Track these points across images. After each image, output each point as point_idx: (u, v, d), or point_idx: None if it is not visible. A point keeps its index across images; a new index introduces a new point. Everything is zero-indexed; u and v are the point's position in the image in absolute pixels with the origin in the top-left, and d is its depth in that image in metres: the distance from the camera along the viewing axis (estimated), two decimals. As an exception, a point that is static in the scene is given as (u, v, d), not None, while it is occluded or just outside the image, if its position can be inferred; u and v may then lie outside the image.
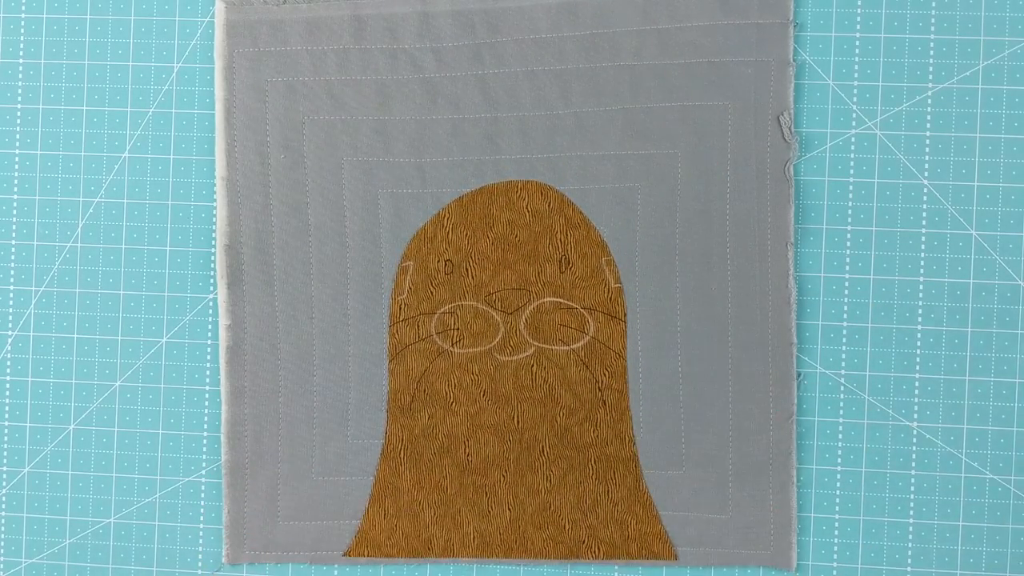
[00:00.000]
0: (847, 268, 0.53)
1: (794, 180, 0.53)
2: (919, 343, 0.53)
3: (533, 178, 0.53)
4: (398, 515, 0.54)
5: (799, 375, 0.53)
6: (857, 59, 0.53)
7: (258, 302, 0.54)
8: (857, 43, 0.53)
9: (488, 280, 0.53)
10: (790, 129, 0.53)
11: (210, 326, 0.55)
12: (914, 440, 0.53)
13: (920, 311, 0.53)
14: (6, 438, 0.56)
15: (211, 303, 0.55)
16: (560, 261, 0.53)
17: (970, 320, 0.53)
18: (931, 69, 0.53)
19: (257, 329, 0.54)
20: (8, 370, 0.56)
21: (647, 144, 0.53)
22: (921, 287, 0.53)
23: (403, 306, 0.53)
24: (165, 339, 0.55)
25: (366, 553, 0.54)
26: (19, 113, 0.55)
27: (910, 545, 0.53)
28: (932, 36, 0.53)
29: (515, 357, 0.53)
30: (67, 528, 0.55)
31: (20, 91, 0.55)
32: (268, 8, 0.53)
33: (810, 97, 0.53)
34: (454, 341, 0.53)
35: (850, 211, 0.53)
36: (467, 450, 0.53)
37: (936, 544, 0.53)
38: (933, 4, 0.53)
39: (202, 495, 0.55)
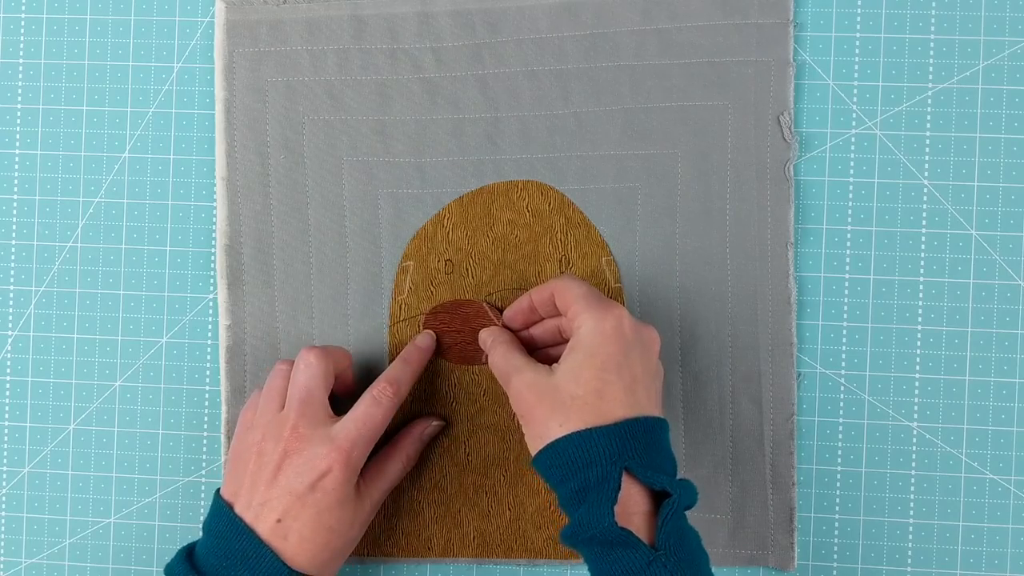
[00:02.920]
0: (847, 268, 0.53)
1: (794, 180, 0.53)
2: (919, 343, 0.53)
3: (533, 178, 0.53)
4: (398, 515, 0.53)
5: (799, 375, 0.53)
6: (857, 59, 0.53)
7: (258, 302, 0.54)
8: (857, 43, 0.53)
9: (488, 280, 0.53)
10: (790, 129, 0.53)
11: (210, 326, 0.55)
12: (914, 440, 0.53)
13: (920, 311, 0.53)
14: (6, 438, 0.56)
15: (211, 303, 0.55)
16: (560, 261, 0.53)
17: (970, 320, 0.53)
18: (931, 69, 0.53)
19: (257, 329, 0.54)
20: (8, 370, 0.56)
21: (647, 144, 0.53)
22: (921, 287, 0.53)
23: (403, 306, 0.53)
24: (165, 339, 0.55)
25: (366, 553, 0.54)
26: (19, 113, 0.55)
27: (910, 545, 0.53)
28: (932, 36, 0.53)
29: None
30: (67, 528, 0.55)
31: (20, 91, 0.55)
32: (268, 8, 0.53)
33: (810, 97, 0.53)
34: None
35: (850, 211, 0.53)
36: (467, 450, 0.53)
37: (936, 544, 0.53)
38: (933, 4, 0.53)
39: (202, 495, 0.55)
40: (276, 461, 0.46)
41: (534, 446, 0.45)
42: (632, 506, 0.43)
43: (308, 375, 0.48)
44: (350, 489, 0.47)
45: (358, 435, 0.47)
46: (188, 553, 0.47)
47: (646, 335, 0.46)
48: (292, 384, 0.48)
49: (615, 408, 0.44)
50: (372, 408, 0.48)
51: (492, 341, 0.49)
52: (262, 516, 0.46)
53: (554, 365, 0.46)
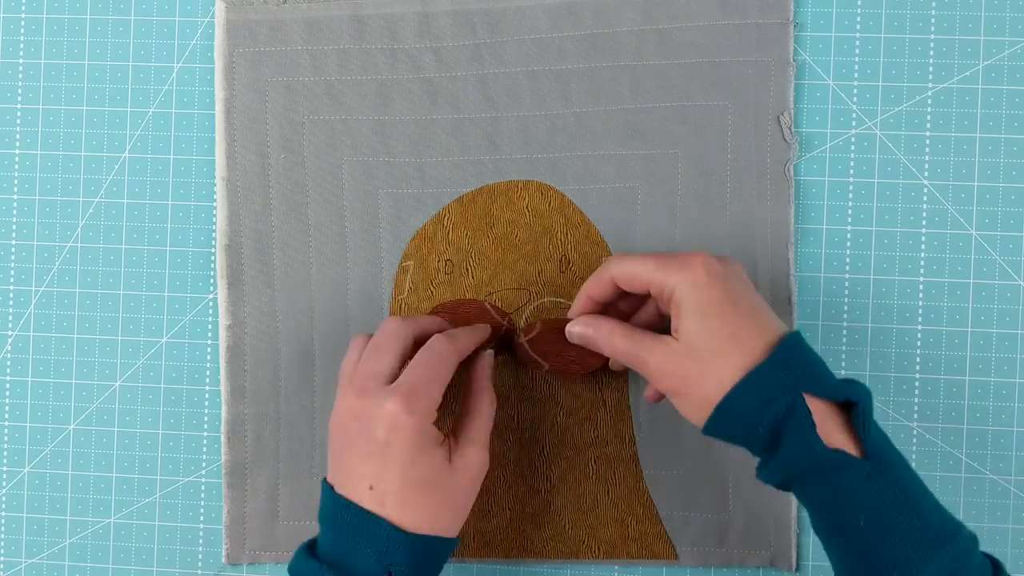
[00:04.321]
0: (847, 268, 0.53)
1: (794, 180, 0.53)
2: (919, 343, 0.53)
3: (533, 178, 0.53)
4: (398, 515, 0.53)
5: (799, 375, 0.53)
6: (857, 59, 0.53)
7: (258, 302, 0.54)
8: (857, 43, 0.53)
9: (488, 280, 0.53)
10: (790, 129, 0.53)
11: (210, 326, 0.55)
12: (914, 440, 0.53)
13: (920, 311, 0.53)
14: (6, 438, 0.56)
15: (211, 303, 0.55)
16: (560, 261, 0.53)
17: (970, 320, 0.53)
18: (931, 69, 0.53)
19: (257, 329, 0.54)
20: (8, 370, 0.56)
21: (647, 144, 0.53)
22: (921, 287, 0.53)
23: (403, 306, 0.53)
24: (165, 339, 0.55)
25: (366, 553, 0.54)
26: (19, 113, 0.55)
27: (910, 545, 0.53)
28: (932, 36, 0.53)
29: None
30: (67, 528, 0.55)
31: (20, 91, 0.55)
32: (268, 8, 0.53)
33: (810, 97, 0.53)
34: None
35: (850, 211, 0.53)
36: (467, 450, 0.53)
37: (936, 544, 0.53)
38: (933, 4, 0.53)
39: (202, 495, 0.55)
40: (353, 430, 0.46)
41: (701, 414, 0.44)
42: (825, 425, 0.42)
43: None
44: (425, 436, 0.45)
45: (416, 378, 0.46)
46: (308, 548, 0.47)
47: (731, 265, 0.46)
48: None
49: (753, 342, 0.43)
50: (425, 354, 0.47)
51: (601, 330, 0.48)
52: (357, 488, 0.45)
53: (671, 336, 0.45)
